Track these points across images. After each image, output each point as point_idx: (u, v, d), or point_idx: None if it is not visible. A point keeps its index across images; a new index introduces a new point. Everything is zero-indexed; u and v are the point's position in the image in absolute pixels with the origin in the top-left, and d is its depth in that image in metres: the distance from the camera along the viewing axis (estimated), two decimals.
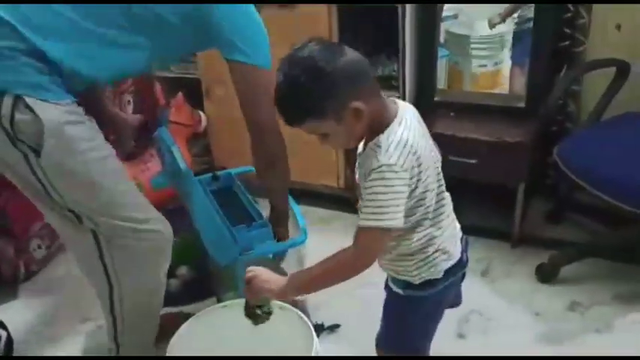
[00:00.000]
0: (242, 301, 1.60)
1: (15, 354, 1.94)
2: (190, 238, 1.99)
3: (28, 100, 1.30)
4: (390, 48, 2.24)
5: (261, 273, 1.30)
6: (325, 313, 1.95)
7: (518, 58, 2.29)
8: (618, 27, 2.15)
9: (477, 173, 2.18)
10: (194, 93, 2.50)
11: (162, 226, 1.57)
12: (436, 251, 1.27)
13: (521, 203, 2.19)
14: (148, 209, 1.55)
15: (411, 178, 1.15)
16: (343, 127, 1.15)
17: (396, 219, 1.14)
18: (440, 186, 1.26)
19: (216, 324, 1.55)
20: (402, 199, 1.15)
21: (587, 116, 2.19)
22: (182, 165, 1.74)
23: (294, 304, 1.55)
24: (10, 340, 1.94)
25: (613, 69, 2.08)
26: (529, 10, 2.15)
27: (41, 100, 1.31)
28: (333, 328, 1.93)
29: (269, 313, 1.41)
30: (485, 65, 2.41)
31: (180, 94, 2.40)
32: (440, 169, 1.27)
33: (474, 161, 2.16)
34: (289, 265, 1.79)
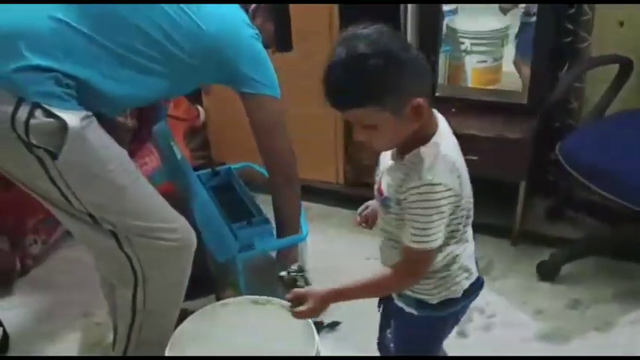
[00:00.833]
0: (242, 299, 1.59)
1: (10, 350, 1.92)
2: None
3: (45, 106, 1.30)
4: None
5: (306, 296, 1.21)
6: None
7: (522, 53, 2.27)
8: (621, 23, 2.14)
9: (478, 170, 2.13)
10: None
11: (182, 224, 1.55)
12: (459, 269, 1.23)
13: (522, 200, 2.18)
14: (166, 208, 1.53)
15: (455, 196, 1.11)
16: (398, 123, 1.08)
17: (439, 238, 1.12)
18: (470, 202, 1.21)
19: (217, 322, 1.54)
20: (445, 219, 1.11)
21: (589, 113, 2.18)
22: (181, 160, 1.72)
23: None
24: (5, 336, 1.93)
25: (616, 66, 2.06)
26: (534, 5, 2.13)
27: (57, 107, 1.31)
28: (333, 325, 1.92)
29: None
30: (485, 61, 2.39)
31: None
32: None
33: (474, 158, 2.11)
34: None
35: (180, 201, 1.91)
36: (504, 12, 2.27)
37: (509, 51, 2.36)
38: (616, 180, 1.86)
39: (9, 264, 2.18)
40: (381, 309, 1.42)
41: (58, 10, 1.33)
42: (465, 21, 2.36)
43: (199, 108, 2.48)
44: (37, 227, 2.24)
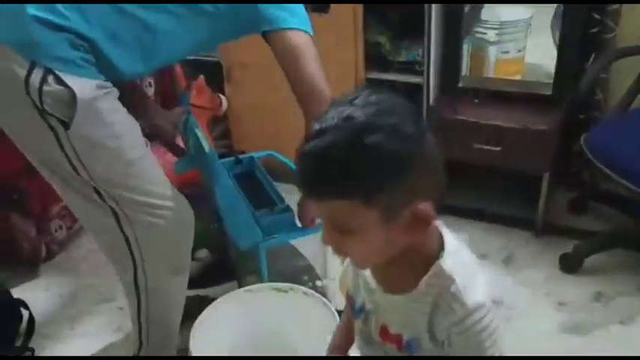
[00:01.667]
0: (265, 286, 1.60)
1: (36, 333, 1.95)
2: (211, 222, 1.98)
3: (58, 73, 1.28)
4: (415, 32, 2.21)
5: None
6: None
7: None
8: None
9: (501, 161, 2.15)
10: (214, 76, 2.48)
11: (183, 205, 1.55)
12: None
13: (545, 192, 2.16)
14: (168, 187, 1.53)
15: None
16: (386, 231, 0.81)
17: None
18: None
19: (240, 308, 1.55)
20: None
21: (615, 105, 2.15)
22: (207, 148, 1.73)
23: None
24: (32, 319, 1.96)
25: None
26: None
27: (71, 74, 1.29)
28: None
29: None
30: (507, 52, 2.37)
31: (201, 77, 2.38)
32: None
33: (498, 149, 2.13)
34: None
35: (204, 189, 1.93)
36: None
37: (533, 41, 2.34)
38: None
39: (35, 249, 2.21)
40: None
41: None
42: (489, 11, 2.35)
43: (221, 96, 2.49)
44: (62, 213, 2.27)
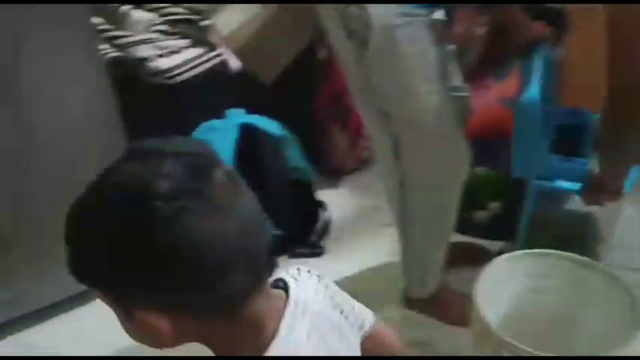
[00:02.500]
0: (559, 254, 1.47)
1: (330, 235, 2.14)
2: (507, 174, 1.91)
3: None
4: None
5: None
6: None
7: None
8: None
9: None
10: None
11: (461, 142, 1.52)
12: None
13: None
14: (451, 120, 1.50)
15: None
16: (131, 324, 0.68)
17: None
18: None
19: (525, 270, 1.45)
20: None
21: None
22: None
23: None
24: (327, 222, 2.17)
25: None
26: None
27: None
28: None
29: None
30: None
31: None
32: None
33: None
34: None
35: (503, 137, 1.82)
36: None
37: None
38: None
39: (343, 160, 2.40)
40: None
41: None
42: None
43: None
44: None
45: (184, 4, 2.04)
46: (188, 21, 2.00)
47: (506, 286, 1.43)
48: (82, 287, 0.69)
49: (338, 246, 2.13)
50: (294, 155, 2.11)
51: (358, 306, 0.88)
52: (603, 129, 1.52)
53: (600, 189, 1.56)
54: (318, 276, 0.83)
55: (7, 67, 1.55)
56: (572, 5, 2.24)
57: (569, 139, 1.74)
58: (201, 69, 1.99)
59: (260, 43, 2.16)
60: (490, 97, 2.07)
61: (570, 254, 1.43)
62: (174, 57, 1.94)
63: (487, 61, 1.66)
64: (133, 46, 1.90)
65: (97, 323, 1.30)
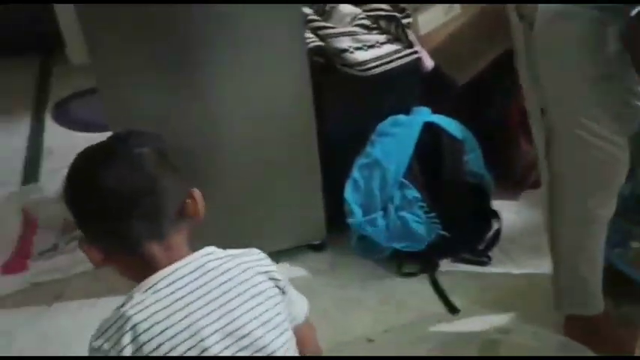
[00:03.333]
0: None
1: (498, 245, 2.10)
2: None
3: None
4: None
5: None
6: None
7: None
8: None
9: None
10: None
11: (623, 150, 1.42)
12: None
13: None
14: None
15: None
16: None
17: None
18: None
19: None
20: None
21: None
22: None
23: None
24: (498, 231, 2.11)
25: None
26: None
27: None
28: None
29: None
30: None
31: None
32: None
33: None
34: None
35: None
36: None
37: None
38: None
39: (526, 174, 2.27)
40: None
41: None
42: None
43: None
44: None
45: (391, 3, 2.12)
46: (390, 18, 2.07)
47: None
48: None
49: (505, 258, 2.08)
50: (475, 160, 2.09)
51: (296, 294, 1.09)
52: None
53: None
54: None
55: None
56: None
57: None
58: (395, 65, 2.05)
59: (458, 43, 2.18)
60: None
61: None
62: (371, 51, 2.02)
63: None
64: (335, 37, 2.01)
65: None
